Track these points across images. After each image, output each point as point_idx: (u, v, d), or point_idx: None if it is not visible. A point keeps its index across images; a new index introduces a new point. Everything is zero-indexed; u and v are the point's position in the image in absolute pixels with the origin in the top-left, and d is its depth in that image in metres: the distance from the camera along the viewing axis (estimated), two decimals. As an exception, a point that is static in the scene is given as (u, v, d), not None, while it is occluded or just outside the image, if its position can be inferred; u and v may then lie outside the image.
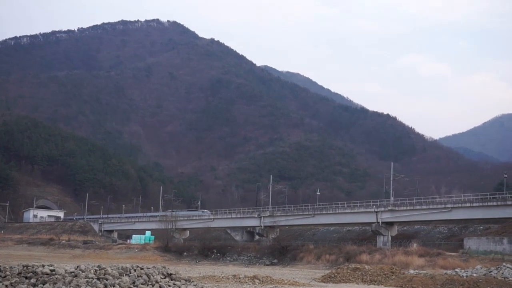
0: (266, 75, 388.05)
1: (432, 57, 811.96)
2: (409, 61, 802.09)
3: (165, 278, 35.40)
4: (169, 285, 34.64)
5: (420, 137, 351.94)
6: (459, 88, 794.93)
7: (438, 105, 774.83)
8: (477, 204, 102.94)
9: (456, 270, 49.93)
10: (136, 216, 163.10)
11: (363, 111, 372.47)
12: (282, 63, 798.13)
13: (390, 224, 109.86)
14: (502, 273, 45.80)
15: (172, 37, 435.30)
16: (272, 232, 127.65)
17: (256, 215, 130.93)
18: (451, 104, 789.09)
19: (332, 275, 49.89)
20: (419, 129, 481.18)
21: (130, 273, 33.26)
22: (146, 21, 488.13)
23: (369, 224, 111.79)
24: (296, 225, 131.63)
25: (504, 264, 50.14)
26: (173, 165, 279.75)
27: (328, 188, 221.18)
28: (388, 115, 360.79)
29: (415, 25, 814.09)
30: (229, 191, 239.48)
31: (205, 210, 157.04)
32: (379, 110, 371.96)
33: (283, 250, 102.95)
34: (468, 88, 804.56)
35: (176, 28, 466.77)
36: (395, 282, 44.45)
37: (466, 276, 45.16)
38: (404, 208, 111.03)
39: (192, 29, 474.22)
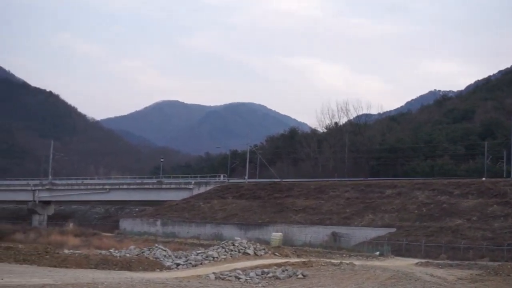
0: None
1: (86, 38, 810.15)
2: (63, 39, 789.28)
3: None
4: None
5: (82, 117, 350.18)
6: (115, 72, 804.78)
7: (99, 86, 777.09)
8: (134, 187, 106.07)
9: (111, 250, 50.83)
10: None
11: (24, 86, 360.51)
12: None
13: (47, 203, 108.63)
14: (154, 253, 47.66)
15: None
16: None
17: None
18: (111, 86, 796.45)
19: (-18, 254, 47.95)
20: (82, 109, 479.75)
21: None
22: None
23: (25, 202, 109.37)
24: None
25: (156, 245, 52.18)
26: None
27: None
28: (50, 92, 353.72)
29: (67, 2, 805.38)
30: None
31: None
32: (42, 87, 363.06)
33: None
34: (124, 72, 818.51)
35: None
36: (49, 261, 43.93)
37: (120, 256, 46.25)
38: (62, 187, 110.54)
39: None
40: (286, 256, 49.66)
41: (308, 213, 79.51)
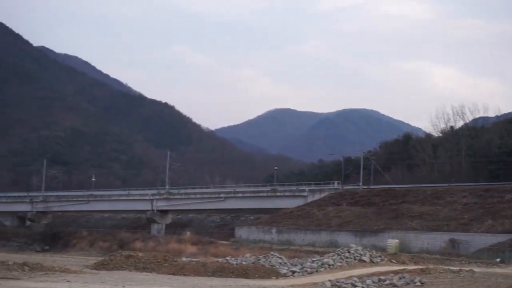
0: (43, 56, 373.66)
1: (197, 49, 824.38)
2: (176, 51, 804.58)
3: None
4: None
5: (197, 127, 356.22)
6: (228, 81, 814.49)
7: (212, 96, 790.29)
8: (249, 195, 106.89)
9: (227, 258, 51.56)
10: None
11: (141, 98, 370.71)
12: (60, 45, 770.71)
13: (165, 212, 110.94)
14: (270, 261, 48.03)
15: None
16: (44, 217, 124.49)
17: (28, 200, 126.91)
18: (224, 95, 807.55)
19: (105, 262, 49.53)
20: (196, 119, 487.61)
21: None
22: None
23: (144, 211, 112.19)
24: (70, 211, 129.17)
25: (271, 252, 52.52)
26: None
27: (104, 175, 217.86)
28: (166, 103, 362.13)
29: (178, 15, 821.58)
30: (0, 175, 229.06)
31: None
32: (158, 98, 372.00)
33: (55, 236, 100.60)
34: (236, 81, 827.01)
35: None
36: (168, 269, 45.03)
37: (236, 264, 46.80)
38: (179, 196, 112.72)
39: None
40: (403, 263, 48.96)
41: (424, 219, 77.97)
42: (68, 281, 35.48)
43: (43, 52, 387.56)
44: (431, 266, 44.38)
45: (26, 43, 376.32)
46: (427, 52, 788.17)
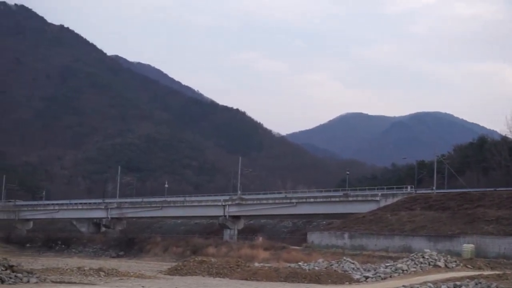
0: (116, 65, 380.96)
1: (268, 54, 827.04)
2: (245, 57, 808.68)
3: (6, 270, 34.27)
4: (10, 277, 33.62)
5: (268, 132, 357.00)
6: (298, 86, 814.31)
7: (283, 101, 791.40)
8: (321, 200, 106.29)
9: (299, 263, 51.39)
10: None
11: (213, 105, 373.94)
12: (133, 54, 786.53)
13: (237, 218, 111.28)
14: (342, 266, 47.70)
15: (19, 21, 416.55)
16: (119, 224, 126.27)
17: (103, 207, 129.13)
18: (295, 101, 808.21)
19: (179, 268, 50.07)
20: (267, 124, 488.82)
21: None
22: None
23: (217, 217, 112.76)
24: (144, 217, 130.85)
25: (344, 258, 52.13)
26: (17, 153, 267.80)
27: (177, 181, 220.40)
28: (237, 110, 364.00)
29: (249, 22, 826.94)
30: (76, 182, 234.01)
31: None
32: (229, 105, 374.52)
33: (129, 242, 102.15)
34: (306, 86, 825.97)
35: (24, 12, 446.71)
36: (240, 274, 45.18)
37: (309, 269, 46.62)
38: (251, 202, 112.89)
39: (40, 14, 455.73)
40: (479, 268, 47.97)
41: (501, 224, 76.14)
42: (142, 286, 36.00)
43: (117, 61, 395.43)
44: (508, 272, 43.32)
45: (100, 52, 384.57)
46: (501, 53, 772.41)
